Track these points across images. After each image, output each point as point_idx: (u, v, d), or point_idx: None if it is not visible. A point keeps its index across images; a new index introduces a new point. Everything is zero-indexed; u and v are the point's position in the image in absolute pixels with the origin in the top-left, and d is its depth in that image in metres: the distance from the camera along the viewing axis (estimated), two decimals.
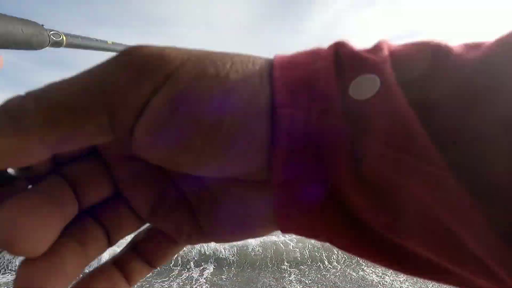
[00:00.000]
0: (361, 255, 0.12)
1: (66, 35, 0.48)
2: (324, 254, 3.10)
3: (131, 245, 0.15)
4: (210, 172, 0.12)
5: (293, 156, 0.11)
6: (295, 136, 0.11)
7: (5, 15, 0.37)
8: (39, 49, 0.43)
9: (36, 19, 0.44)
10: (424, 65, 0.11)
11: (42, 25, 0.43)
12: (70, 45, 0.49)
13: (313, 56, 0.12)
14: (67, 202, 0.12)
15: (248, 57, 0.12)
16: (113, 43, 0.65)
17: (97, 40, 0.60)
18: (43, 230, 0.11)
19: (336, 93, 0.11)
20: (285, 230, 0.13)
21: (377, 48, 0.12)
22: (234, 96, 0.11)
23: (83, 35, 0.54)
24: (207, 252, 3.04)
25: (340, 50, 0.12)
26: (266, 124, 0.11)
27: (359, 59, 0.11)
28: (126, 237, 0.15)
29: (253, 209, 0.14)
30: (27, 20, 0.40)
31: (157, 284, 2.63)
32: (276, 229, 0.13)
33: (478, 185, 0.09)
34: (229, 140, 0.11)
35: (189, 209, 0.14)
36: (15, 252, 0.10)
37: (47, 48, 0.45)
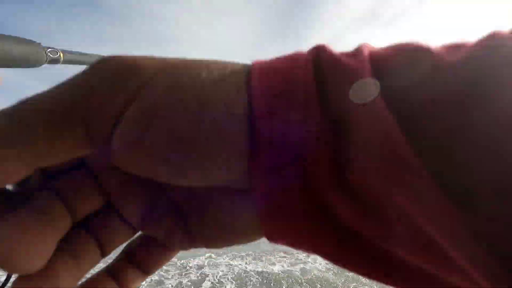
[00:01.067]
0: (346, 265, 0.12)
1: (64, 51, 0.49)
2: None
3: (125, 254, 0.15)
4: (191, 183, 0.12)
5: (275, 167, 0.11)
6: (275, 148, 0.11)
7: (1, 34, 0.38)
8: (37, 66, 0.44)
9: (40, 38, 0.44)
10: (404, 69, 0.11)
11: (40, 43, 0.44)
12: (67, 62, 0.50)
13: (292, 62, 0.12)
14: (59, 217, 0.12)
15: (225, 65, 0.12)
16: None
17: (93, 55, 0.61)
18: (38, 247, 0.11)
19: (316, 102, 0.11)
20: (271, 239, 0.13)
21: (357, 52, 0.12)
22: (210, 108, 0.11)
23: (80, 51, 0.55)
24: None
25: (319, 56, 0.12)
26: (244, 135, 0.11)
27: (339, 65, 0.11)
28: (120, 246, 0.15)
29: (239, 217, 0.14)
30: (23, 38, 0.41)
31: None
32: (263, 236, 0.13)
33: (461, 195, 0.09)
34: (206, 152, 0.11)
35: (179, 216, 0.14)
36: (12, 270, 0.11)
37: (45, 65, 0.45)
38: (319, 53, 0.12)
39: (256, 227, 0.13)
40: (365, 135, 0.10)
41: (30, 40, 0.42)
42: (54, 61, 0.47)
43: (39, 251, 0.11)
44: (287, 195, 0.11)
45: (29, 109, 0.10)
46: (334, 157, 0.11)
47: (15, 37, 0.40)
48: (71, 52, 0.51)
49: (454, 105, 0.10)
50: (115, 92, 0.11)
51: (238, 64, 0.12)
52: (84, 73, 0.11)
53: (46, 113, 0.10)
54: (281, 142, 0.11)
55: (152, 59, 0.12)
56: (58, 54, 0.47)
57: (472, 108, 0.10)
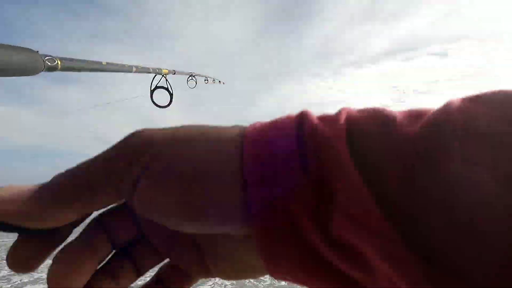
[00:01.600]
0: None
1: (61, 59, 0.49)
2: None
3: (156, 277, 0.18)
4: (197, 230, 0.15)
5: (269, 227, 0.14)
6: (268, 211, 0.13)
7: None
8: (34, 74, 0.43)
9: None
10: (375, 139, 0.13)
11: (37, 51, 0.43)
12: (65, 69, 0.50)
13: (279, 132, 0.14)
14: (101, 246, 0.17)
15: (224, 133, 0.15)
16: (107, 63, 0.66)
17: (92, 61, 0.60)
18: (80, 272, 0.15)
19: (298, 172, 0.13)
20: (275, 276, 0.15)
21: (336, 119, 0.14)
22: (206, 173, 0.14)
23: (78, 58, 0.55)
24: None
25: (302, 126, 0.14)
26: (237, 196, 0.14)
27: (318, 137, 0.14)
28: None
29: (246, 258, 0.17)
30: (21, 47, 0.41)
31: None
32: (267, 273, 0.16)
33: (425, 251, 0.11)
34: (204, 214, 0.14)
35: (197, 250, 0.18)
36: (57, 285, 0.15)
37: (42, 73, 0.45)
38: (302, 123, 0.14)
39: (260, 267, 0.16)
40: (344, 202, 0.13)
41: (28, 49, 0.42)
42: (52, 68, 0.46)
43: (79, 275, 0.15)
44: (284, 246, 0.14)
45: (80, 174, 0.15)
46: (317, 212, 0.13)
47: (12, 45, 0.39)
48: (68, 59, 0.51)
49: (413, 177, 0.12)
50: (133, 165, 0.15)
51: (234, 130, 0.15)
52: (115, 147, 0.15)
53: (90, 178, 0.15)
54: (272, 207, 0.13)
55: (164, 133, 0.15)
56: (56, 62, 0.47)
57: (423, 178, 0.12)
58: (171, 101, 1.13)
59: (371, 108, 0.15)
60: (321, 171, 0.13)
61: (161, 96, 1.15)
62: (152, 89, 1.10)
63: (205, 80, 2.10)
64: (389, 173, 0.12)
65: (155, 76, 1.09)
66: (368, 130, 0.13)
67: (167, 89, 1.11)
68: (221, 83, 2.46)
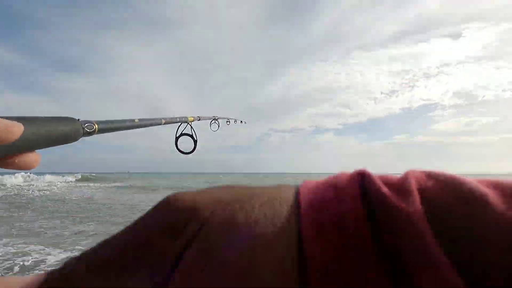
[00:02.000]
0: None
1: (97, 122, 0.52)
2: None
3: None
4: None
5: None
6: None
7: (46, 117, 0.41)
8: (75, 141, 0.46)
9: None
10: (463, 222, 0.11)
11: (78, 119, 0.47)
12: (101, 131, 0.53)
13: (340, 195, 0.12)
14: None
15: (277, 194, 0.13)
16: (139, 119, 0.70)
17: (124, 120, 0.64)
18: None
19: (370, 241, 0.11)
20: None
21: (405, 188, 0.12)
22: (262, 244, 0.11)
23: (112, 119, 0.58)
24: None
25: (368, 192, 0.12)
26: (294, 273, 0.11)
27: (391, 210, 0.12)
28: None
29: None
30: (64, 117, 0.44)
31: None
32: None
33: None
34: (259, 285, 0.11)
35: None
36: None
37: (81, 138, 0.48)
38: (366, 188, 0.13)
39: None
40: (420, 278, 0.11)
41: (70, 118, 0.45)
42: (90, 133, 0.50)
43: None
44: None
45: (102, 255, 0.12)
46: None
47: (57, 117, 0.43)
48: (104, 122, 0.55)
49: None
50: (176, 235, 0.12)
51: (287, 191, 0.13)
52: (146, 217, 0.13)
53: (116, 258, 0.12)
54: (335, 282, 0.11)
55: (208, 196, 0.13)
56: (94, 127, 0.50)
57: None
58: (195, 147, 1.17)
59: (443, 176, 0.13)
60: (395, 247, 0.11)
61: (186, 142, 1.19)
62: (177, 135, 1.14)
63: (227, 121, 2.16)
64: (498, 271, 0.10)
65: (180, 124, 1.13)
66: (450, 210, 0.11)
67: (191, 136, 1.15)
68: (243, 122, 2.55)
